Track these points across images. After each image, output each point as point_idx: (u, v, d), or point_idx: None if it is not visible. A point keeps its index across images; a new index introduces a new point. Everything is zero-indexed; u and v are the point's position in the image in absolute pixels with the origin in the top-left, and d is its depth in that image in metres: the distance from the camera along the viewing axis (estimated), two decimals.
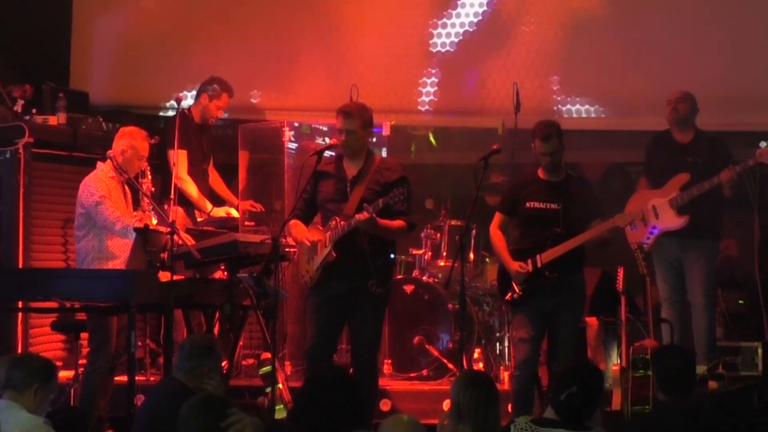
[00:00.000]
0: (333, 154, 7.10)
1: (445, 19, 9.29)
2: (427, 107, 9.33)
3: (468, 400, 4.82)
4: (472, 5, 9.24)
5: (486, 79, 9.16)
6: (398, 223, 6.73)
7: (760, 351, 7.76)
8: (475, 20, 9.23)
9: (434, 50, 9.31)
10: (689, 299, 7.74)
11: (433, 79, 9.32)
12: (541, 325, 6.87)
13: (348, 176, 6.83)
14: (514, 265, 6.86)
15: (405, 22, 9.35)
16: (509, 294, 6.93)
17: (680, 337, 7.67)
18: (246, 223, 8.47)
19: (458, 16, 9.28)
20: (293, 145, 8.71)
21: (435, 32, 9.30)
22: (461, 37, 9.25)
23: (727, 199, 7.66)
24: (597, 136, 9.05)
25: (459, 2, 9.29)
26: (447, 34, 9.29)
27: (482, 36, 9.22)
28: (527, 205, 6.93)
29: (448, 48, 9.28)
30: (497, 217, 7.10)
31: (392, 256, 7.13)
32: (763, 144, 7.41)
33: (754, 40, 8.71)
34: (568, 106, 9.05)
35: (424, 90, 9.33)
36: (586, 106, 9.06)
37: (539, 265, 6.80)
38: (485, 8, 9.21)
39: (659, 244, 7.68)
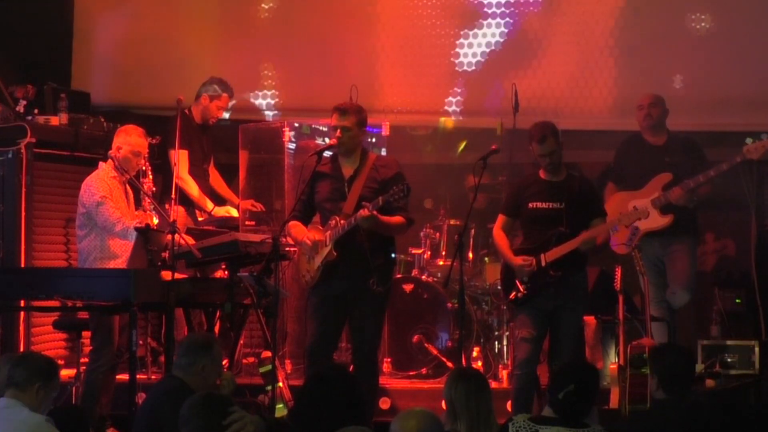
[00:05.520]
0: (331, 154, 7.13)
1: (444, 19, 9.31)
2: (426, 107, 9.36)
3: (459, 395, 4.87)
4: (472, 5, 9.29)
5: (484, 80, 9.19)
6: (397, 219, 6.76)
7: (756, 349, 7.79)
8: (474, 19, 9.27)
9: (434, 50, 9.33)
10: (670, 291, 7.71)
11: (433, 79, 9.35)
12: (543, 325, 6.87)
13: (345, 175, 6.85)
14: (518, 260, 6.85)
15: (404, 21, 9.38)
16: (513, 293, 6.93)
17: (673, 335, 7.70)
18: (246, 222, 8.50)
19: (458, 15, 9.31)
20: (293, 145, 8.73)
21: (434, 32, 9.33)
22: (460, 37, 9.29)
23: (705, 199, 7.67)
24: (595, 136, 9.07)
25: (460, 2, 9.32)
26: (445, 34, 9.32)
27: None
28: (530, 205, 6.92)
29: (447, 47, 9.31)
30: (500, 219, 7.09)
31: (393, 255, 7.16)
32: (749, 140, 7.38)
33: (747, 42, 8.75)
34: (567, 106, 9.08)
35: (423, 90, 9.35)
36: (585, 107, 9.09)
37: (543, 263, 6.80)
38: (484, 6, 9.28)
39: (642, 244, 7.63)
